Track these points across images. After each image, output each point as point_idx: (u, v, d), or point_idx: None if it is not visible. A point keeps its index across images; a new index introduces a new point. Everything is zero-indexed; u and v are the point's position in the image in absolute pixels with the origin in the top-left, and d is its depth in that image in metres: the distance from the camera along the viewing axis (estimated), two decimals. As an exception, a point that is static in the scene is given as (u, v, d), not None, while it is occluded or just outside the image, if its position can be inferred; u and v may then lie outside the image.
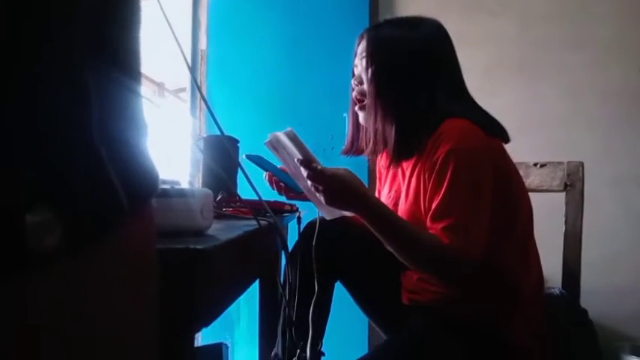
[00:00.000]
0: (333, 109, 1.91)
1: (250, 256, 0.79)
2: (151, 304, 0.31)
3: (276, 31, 2.08)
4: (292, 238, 1.25)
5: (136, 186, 0.26)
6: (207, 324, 0.62)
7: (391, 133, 1.03)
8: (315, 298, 1.10)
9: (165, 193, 0.56)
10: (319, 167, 0.95)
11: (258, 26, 2.09)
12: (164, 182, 0.67)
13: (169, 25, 0.79)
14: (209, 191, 0.62)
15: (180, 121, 2.16)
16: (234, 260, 0.64)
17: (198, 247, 0.49)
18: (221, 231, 0.66)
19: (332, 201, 0.97)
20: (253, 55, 2.08)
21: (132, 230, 0.27)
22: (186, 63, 0.86)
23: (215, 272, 0.55)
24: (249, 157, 1.12)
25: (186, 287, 0.50)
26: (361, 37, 1.12)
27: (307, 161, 0.95)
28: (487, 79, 2.04)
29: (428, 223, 0.97)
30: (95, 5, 0.25)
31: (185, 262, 0.49)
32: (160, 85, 2.62)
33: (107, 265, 0.25)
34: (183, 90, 2.48)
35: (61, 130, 0.22)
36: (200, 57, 2.12)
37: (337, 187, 0.95)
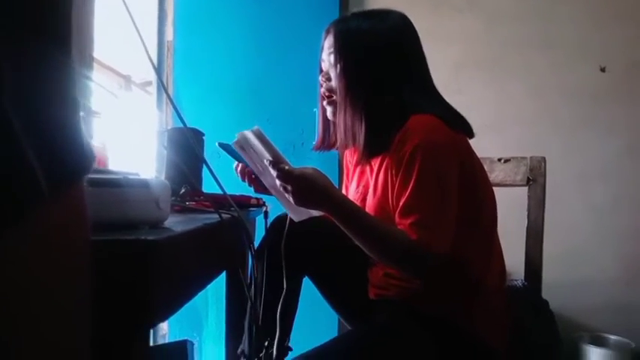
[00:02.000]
0: (303, 103, 1.90)
1: (211, 250, 0.78)
2: (80, 296, 0.28)
3: (245, 23, 2.05)
4: (260, 233, 1.23)
5: (61, 165, 0.24)
6: (162, 319, 0.60)
7: (361, 129, 1.03)
8: (283, 293, 1.09)
9: (118, 183, 0.54)
10: (287, 168, 0.94)
11: (226, 18, 2.06)
12: (120, 173, 0.65)
13: (131, 17, 0.77)
14: (166, 182, 0.60)
15: (146, 114, 2.12)
16: (191, 253, 0.63)
17: (150, 238, 0.47)
18: (179, 223, 0.64)
19: (300, 200, 0.96)
20: (221, 47, 2.05)
21: (54, 213, 0.24)
22: (148, 55, 0.83)
23: (170, 265, 0.54)
24: (221, 145, 1.09)
25: (138, 280, 0.48)
26: (327, 32, 1.10)
27: (276, 162, 0.94)
28: (455, 77, 2.07)
29: (396, 218, 0.97)
30: None
31: (136, 254, 0.47)
32: (126, 79, 2.55)
33: (21, 251, 0.23)
34: (150, 84, 2.43)
35: None
36: (167, 49, 2.07)
37: (305, 187, 0.95)
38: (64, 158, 0.24)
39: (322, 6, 2.02)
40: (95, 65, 1.60)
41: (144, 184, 0.56)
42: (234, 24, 2.06)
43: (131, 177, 0.58)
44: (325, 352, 0.96)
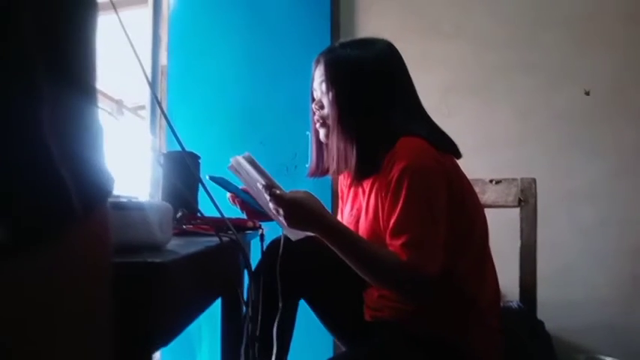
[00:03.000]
0: (296, 126, 1.92)
1: (211, 273, 0.78)
2: (103, 314, 0.29)
3: (238, 48, 2.08)
4: (255, 256, 1.23)
5: (89, 187, 0.25)
6: (165, 343, 0.59)
7: (352, 153, 1.06)
8: (279, 315, 1.09)
9: (122, 206, 0.54)
10: (278, 192, 0.97)
11: (220, 42, 2.09)
12: (122, 196, 0.65)
13: (129, 40, 0.78)
14: (168, 205, 0.60)
15: (139, 138, 2.12)
16: (194, 276, 0.63)
17: (156, 260, 0.47)
18: (181, 246, 0.64)
19: (292, 224, 0.99)
20: (215, 72, 2.08)
21: (83, 234, 0.25)
22: (146, 78, 0.85)
23: (173, 287, 0.54)
24: (212, 178, 1.12)
25: (142, 303, 0.48)
26: (317, 62, 1.14)
27: (268, 186, 0.96)
28: (444, 100, 2.11)
29: (387, 240, 0.99)
30: (44, 16, 0.24)
31: (141, 276, 0.47)
32: (118, 103, 2.56)
33: (53, 268, 0.24)
34: (142, 108, 2.44)
35: (7, 125, 0.21)
36: (160, 73, 2.09)
37: (296, 211, 0.98)
38: (93, 180, 0.25)
39: (314, 31, 2.06)
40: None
41: (148, 207, 0.56)
42: (227, 48, 2.09)
43: (134, 200, 0.58)
44: None
